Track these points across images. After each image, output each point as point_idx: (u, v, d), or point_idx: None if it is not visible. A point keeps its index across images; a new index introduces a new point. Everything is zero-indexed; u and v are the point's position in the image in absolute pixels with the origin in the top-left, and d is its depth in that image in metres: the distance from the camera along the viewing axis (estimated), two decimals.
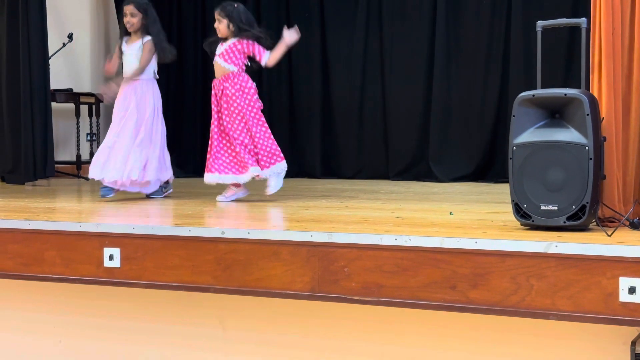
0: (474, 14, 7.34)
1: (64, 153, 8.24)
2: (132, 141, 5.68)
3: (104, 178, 5.60)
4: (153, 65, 5.83)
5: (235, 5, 5.49)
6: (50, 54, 7.27)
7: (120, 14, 8.53)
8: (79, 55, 8.49)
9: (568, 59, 6.85)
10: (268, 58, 5.43)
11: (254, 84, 5.49)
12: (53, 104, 7.37)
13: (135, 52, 5.77)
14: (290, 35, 5.41)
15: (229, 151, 5.46)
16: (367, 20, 7.78)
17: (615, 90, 3.69)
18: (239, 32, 5.41)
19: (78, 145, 8.01)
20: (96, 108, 8.27)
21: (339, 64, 7.97)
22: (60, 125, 8.00)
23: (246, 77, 5.48)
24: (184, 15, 8.60)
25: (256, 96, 5.46)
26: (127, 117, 5.70)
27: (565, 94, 3.62)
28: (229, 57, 5.42)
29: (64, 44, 7.79)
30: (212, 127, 5.50)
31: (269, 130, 5.48)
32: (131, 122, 5.70)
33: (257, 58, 5.43)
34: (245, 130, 5.41)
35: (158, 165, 5.79)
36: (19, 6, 6.91)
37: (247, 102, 5.42)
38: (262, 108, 5.49)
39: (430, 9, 7.46)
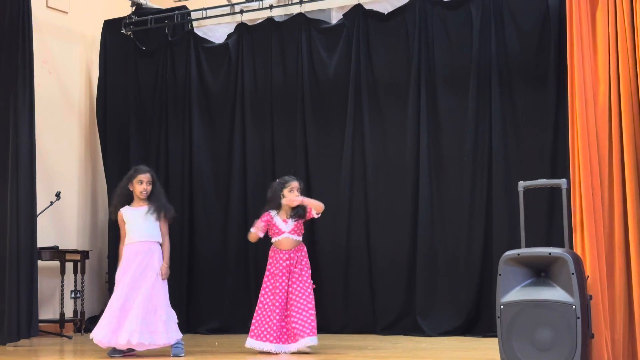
0: (456, 169, 7.49)
1: (47, 311, 8.13)
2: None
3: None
4: None
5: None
6: (37, 212, 7.29)
7: (108, 173, 8.68)
8: (66, 212, 8.52)
9: (550, 215, 6.94)
10: None
11: None
12: (38, 262, 7.32)
13: (144, 215, 6.09)
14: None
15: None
16: (351, 173, 7.90)
17: (599, 249, 3.76)
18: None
19: (62, 303, 7.92)
20: (81, 265, 8.22)
21: (324, 216, 8.02)
22: (44, 283, 7.93)
23: None
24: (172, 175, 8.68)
25: None
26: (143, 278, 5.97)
27: (550, 253, 3.68)
28: (299, 230, 6.31)
29: (52, 202, 7.82)
30: (276, 296, 6.12)
31: None
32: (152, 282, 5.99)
33: None
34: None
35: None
36: (9, 167, 6.97)
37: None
38: None
39: (414, 163, 7.60)
